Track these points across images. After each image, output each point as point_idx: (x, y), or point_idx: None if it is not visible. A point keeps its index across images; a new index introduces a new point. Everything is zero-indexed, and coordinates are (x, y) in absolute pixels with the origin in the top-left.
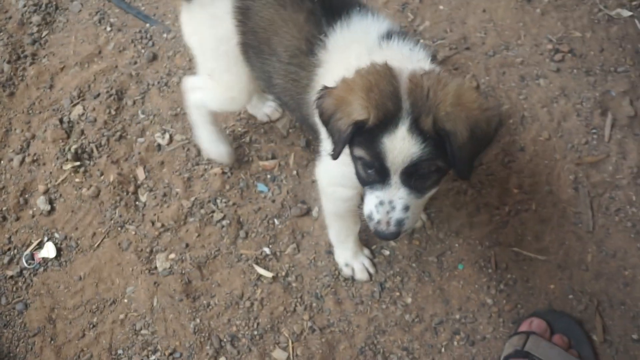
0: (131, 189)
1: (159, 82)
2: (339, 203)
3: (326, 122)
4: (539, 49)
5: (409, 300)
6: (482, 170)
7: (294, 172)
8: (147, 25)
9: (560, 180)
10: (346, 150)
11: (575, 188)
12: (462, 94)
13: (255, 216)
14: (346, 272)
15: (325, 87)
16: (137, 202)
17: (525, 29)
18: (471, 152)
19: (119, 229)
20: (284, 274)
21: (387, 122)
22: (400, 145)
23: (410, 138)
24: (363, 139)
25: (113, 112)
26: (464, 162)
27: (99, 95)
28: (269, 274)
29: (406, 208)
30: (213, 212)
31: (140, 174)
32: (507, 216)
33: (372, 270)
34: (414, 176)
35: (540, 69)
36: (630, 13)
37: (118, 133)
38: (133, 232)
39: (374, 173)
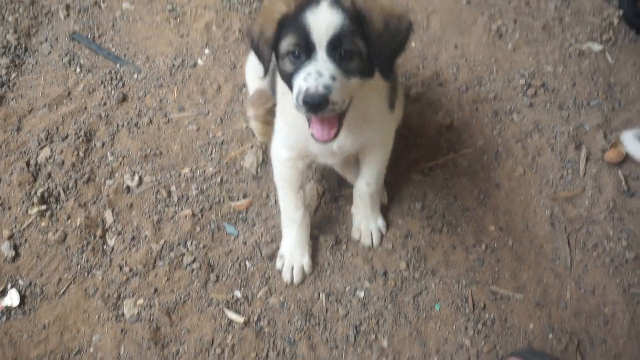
0: (99, 232)
1: (128, 123)
2: (281, 166)
3: (256, 46)
4: (511, 84)
5: (385, 343)
6: (457, 207)
7: (266, 212)
8: (118, 66)
9: (536, 216)
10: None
11: (551, 224)
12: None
13: (226, 259)
14: (277, 264)
15: (251, 23)
16: (104, 246)
17: (498, 64)
18: (387, 46)
19: (86, 274)
20: (255, 318)
21: (308, 4)
22: (323, 16)
23: (332, 10)
24: (287, 30)
25: (81, 154)
26: (383, 56)
27: (67, 137)
28: (240, 319)
29: (333, 78)
30: (183, 255)
31: (109, 217)
32: (483, 254)
33: (305, 271)
34: (338, 51)
35: (514, 103)
36: (600, 47)
37: (86, 175)
38: (100, 278)
39: (301, 55)
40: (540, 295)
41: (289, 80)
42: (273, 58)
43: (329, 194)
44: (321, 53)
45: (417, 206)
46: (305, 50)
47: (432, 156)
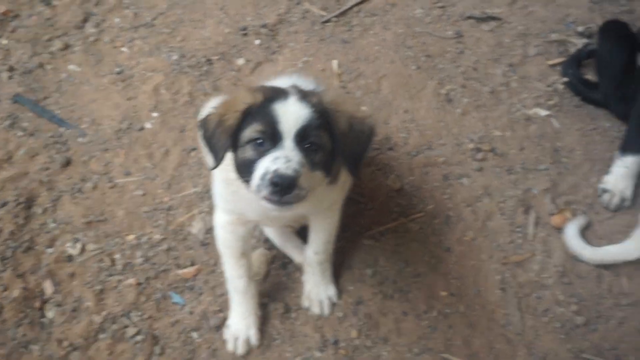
0: (37, 304)
1: (72, 189)
2: (221, 231)
3: (210, 137)
4: (460, 148)
5: None
6: (408, 273)
7: (214, 280)
8: (62, 129)
9: (487, 281)
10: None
11: (502, 289)
12: (340, 96)
13: (172, 330)
14: (224, 334)
15: (208, 113)
16: (42, 319)
17: (447, 129)
18: (351, 146)
19: (22, 349)
20: None
21: (276, 97)
22: (293, 108)
23: (301, 104)
24: (252, 119)
25: (21, 222)
26: (348, 155)
27: (6, 204)
28: None
29: (301, 165)
30: (126, 327)
31: (48, 287)
32: (435, 320)
33: (251, 343)
34: (305, 143)
35: (463, 168)
36: (547, 112)
37: (25, 244)
38: (37, 354)
39: (266, 143)
40: None
41: (248, 167)
42: None
43: (278, 261)
44: (288, 142)
45: (369, 272)
46: (271, 138)
47: (383, 221)
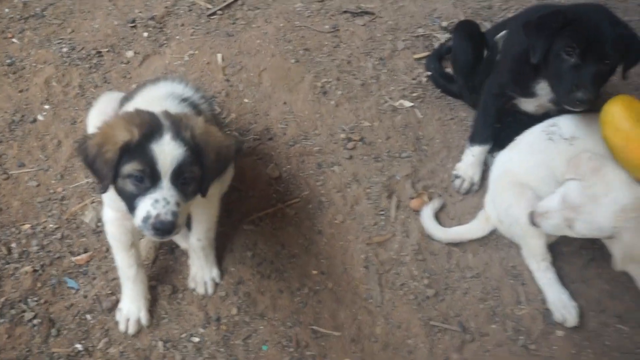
0: None
1: None
2: (110, 225)
3: (91, 163)
4: (333, 138)
5: None
6: (284, 254)
7: (106, 266)
8: None
9: (353, 260)
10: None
11: (366, 266)
12: (208, 126)
13: (67, 313)
14: (116, 316)
15: (85, 135)
16: None
17: (322, 120)
18: (215, 171)
19: None
20: None
21: (152, 134)
22: (168, 149)
23: (175, 143)
24: (130, 156)
25: None
26: (209, 180)
27: None
28: None
29: (178, 204)
30: (24, 311)
31: None
32: (306, 297)
33: (142, 323)
34: (180, 179)
35: (335, 156)
36: (411, 104)
37: None
38: None
39: (145, 181)
40: (355, 331)
41: (128, 198)
42: None
43: (166, 247)
44: (166, 181)
45: (249, 254)
46: (150, 176)
47: (262, 207)
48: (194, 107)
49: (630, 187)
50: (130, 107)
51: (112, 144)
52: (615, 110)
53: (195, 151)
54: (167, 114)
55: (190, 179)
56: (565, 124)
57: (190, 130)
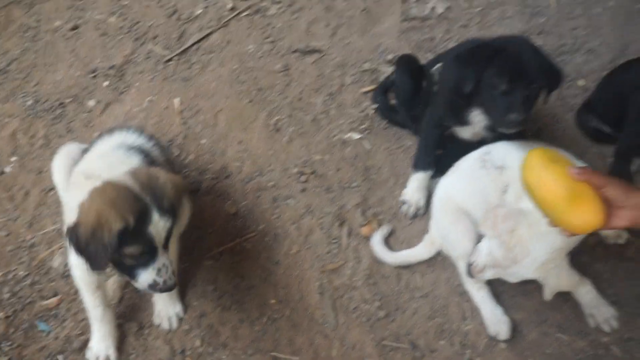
0: None
1: None
2: (75, 269)
3: (84, 247)
4: (287, 173)
5: None
6: (244, 286)
7: (76, 307)
8: None
9: (309, 287)
10: None
11: (320, 293)
12: (175, 180)
13: (39, 355)
14: (87, 355)
15: (75, 222)
16: None
17: (276, 156)
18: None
19: None
20: None
21: (144, 218)
22: (160, 226)
23: (163, 219)
24: (129, 240)
25: None
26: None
27: None
28: None
29: (171, 262)
30: None
31: None
32: (265, 325)
33: None
34: (167, 242)
35: (289, 190)
36: (360, 135)
37: None
38: None
39: (145, 255)
40: (313, 355)
41: (126, 270)
42: None
43: (131, 286)
44: (160, 250)
45: (210, 288)
46: (149, 252)
47: (222, 242)
48: (146, 155)
49: (546, 242)
50: (87, 158)
51: (108, 230)
52: (532, 156)
53: (173, 212)
54: (136, 180)
55: (170, 234)
56: (497, 152)
57: (167, 197)
